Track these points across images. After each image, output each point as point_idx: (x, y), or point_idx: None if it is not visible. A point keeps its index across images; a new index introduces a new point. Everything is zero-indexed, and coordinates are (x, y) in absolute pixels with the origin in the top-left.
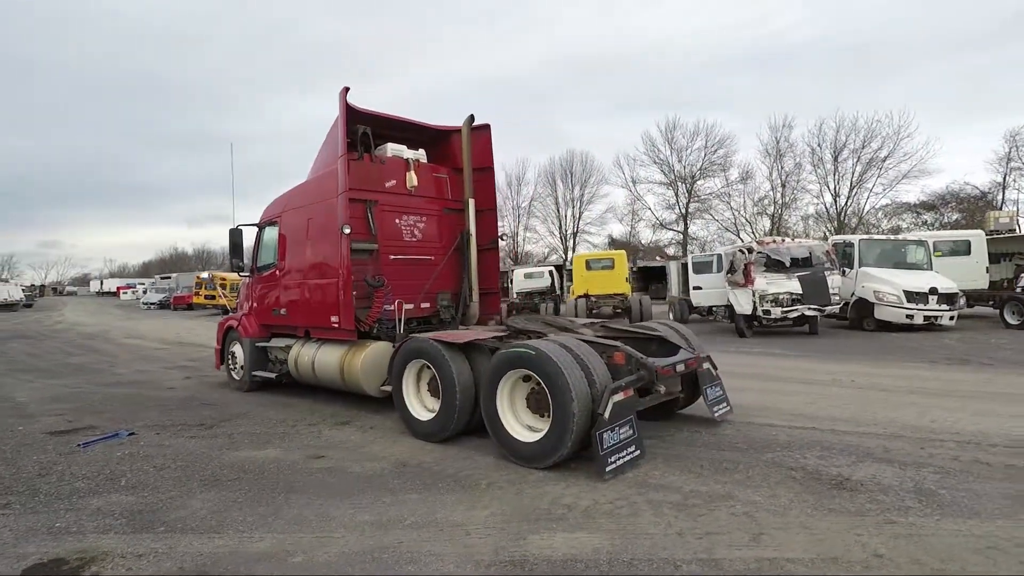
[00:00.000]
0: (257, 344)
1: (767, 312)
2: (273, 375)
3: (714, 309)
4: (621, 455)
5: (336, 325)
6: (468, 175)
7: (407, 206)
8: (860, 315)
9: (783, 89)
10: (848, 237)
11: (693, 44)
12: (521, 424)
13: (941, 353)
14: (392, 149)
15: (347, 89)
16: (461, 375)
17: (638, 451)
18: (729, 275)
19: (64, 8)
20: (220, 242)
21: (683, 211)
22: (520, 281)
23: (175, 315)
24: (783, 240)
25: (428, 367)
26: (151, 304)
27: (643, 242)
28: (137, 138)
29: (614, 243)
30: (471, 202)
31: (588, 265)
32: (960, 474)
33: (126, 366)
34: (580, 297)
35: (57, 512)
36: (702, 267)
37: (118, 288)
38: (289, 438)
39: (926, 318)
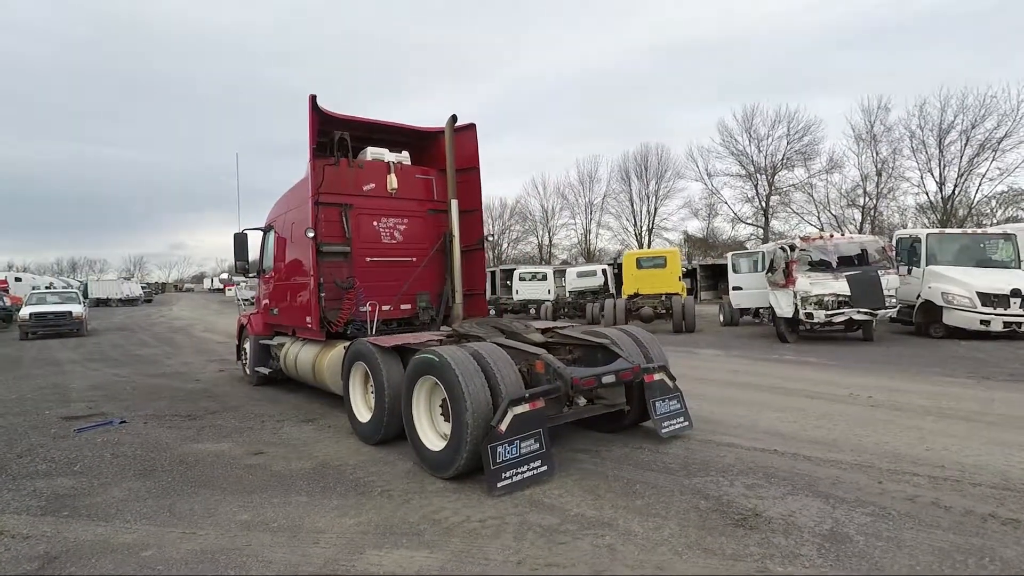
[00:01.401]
0: (260, 341)
1: (809, 315)
2: (268, 371)
3: (761, 311)
4: (520, 470)
5: (309, 325)
6: (451, 176)
7: (387, 208)
8: (927, 320)
9: (877, 69)
10: (915, 231)
11: (776, 29)
12: (436, 432)
13: (1006, 368)
14: (372, 153)
15: (314, 97)
16: (391, 378)
17: (545, 467)
18: (769, 274)
19: (195, 37)
20: None
21: (763, 204)
22: (573, 280)
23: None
24: (832, 236)
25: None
26: (245, 300)
27: (721, 238)
28: (253, 147)
29: (690, 239)
30: (454, 203)
31: (639, 263)
32: (900, 518)
33: (179, 358)
34: (629, 297)
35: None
36: (743, 266)
37: (224, 285)
38: (249, 433)
39: (1006, 324)
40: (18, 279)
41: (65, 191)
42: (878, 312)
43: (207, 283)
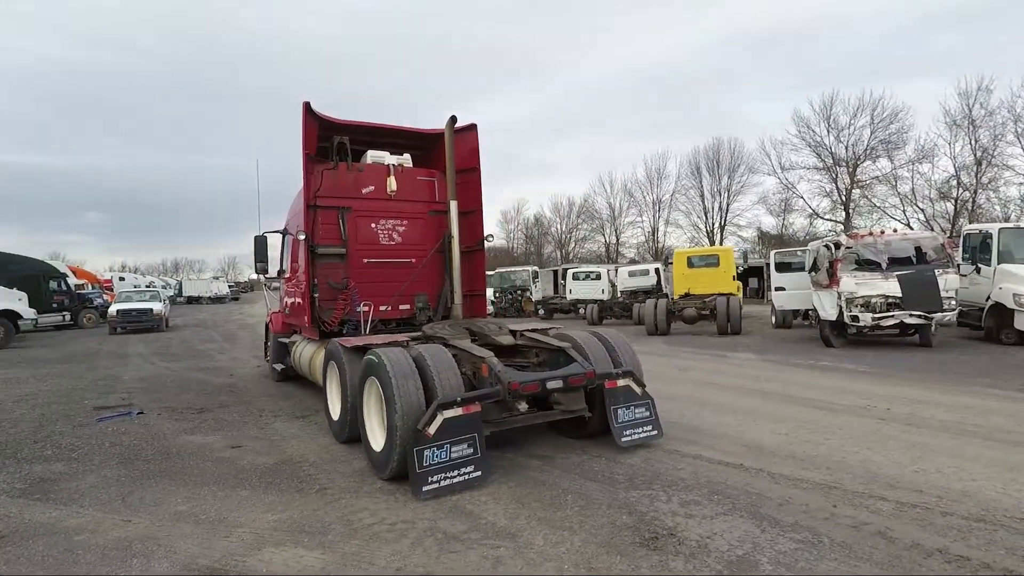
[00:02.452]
0: (279, 339)
1: (855, 318)
2: (283, 367)
3: (809, 313)
4: (450, 475)
5: (306, 324)
6: (451, 177)
7: (386, 210)
8: (997, 324)
9: (978, 45)
10: (986, 226)
11: (858, 12)
12: (383, 431)
13: None
14: (372, 156)
15: (307, 104)
16: (352, 378)
17: (478, 472)
18: (812, 274)
19: (278, 49)
20: None
21: (843, 198)
22: (624, 280)
23: None
24: (883, 232)
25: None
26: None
27: (798, 234)
28: None
29: (763, 236)
30: (453, 204)
31: (690, 262)
32: (829, 548)
33: (232, 353)
34: (682, 297)
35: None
36: (786, 265)
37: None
38: (241, 427)
39: None
40: (121, 279)
41: (171, 196)
42: (934, 315)
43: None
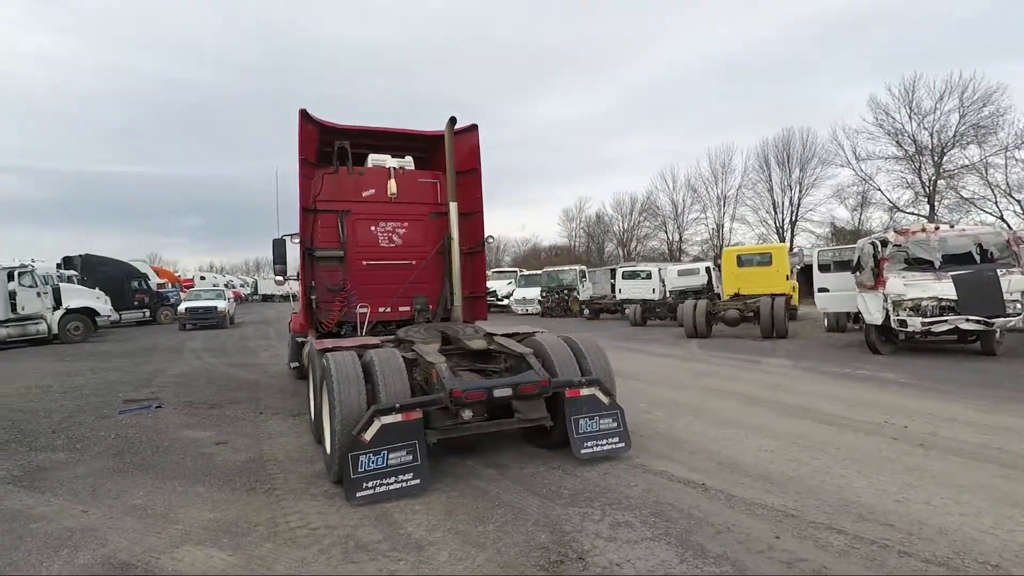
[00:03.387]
0: (296, 338)
1: (902, 323)
2: (297, 365)
3: (859, 317)
4: (386, 481)
5: (304, 325)
6: (451, 178)
7: (386, 213)
8: None
9: None
10: None
11: None
12: None
13: None
14: (373, 160)
15: (303, 111)
16: (316, 379)
17: (417, 480)
18: (856, 274)
19: (353, 56)
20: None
21: (927, 190)
22: (673, 279)
23: None
24: (937, 228)
25: None
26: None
27: (876, 229)
28: None
29: (838, 232)
30: (453, 205)
31: (740, 261)
32: None
33: (275, 351)
34: (730, 297)
35: (8, 458)
36: (830, 264)
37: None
38: (238, 423)
39: None
40: (202, 278)
41: (258, 199)
42: (995, 320)
43: None
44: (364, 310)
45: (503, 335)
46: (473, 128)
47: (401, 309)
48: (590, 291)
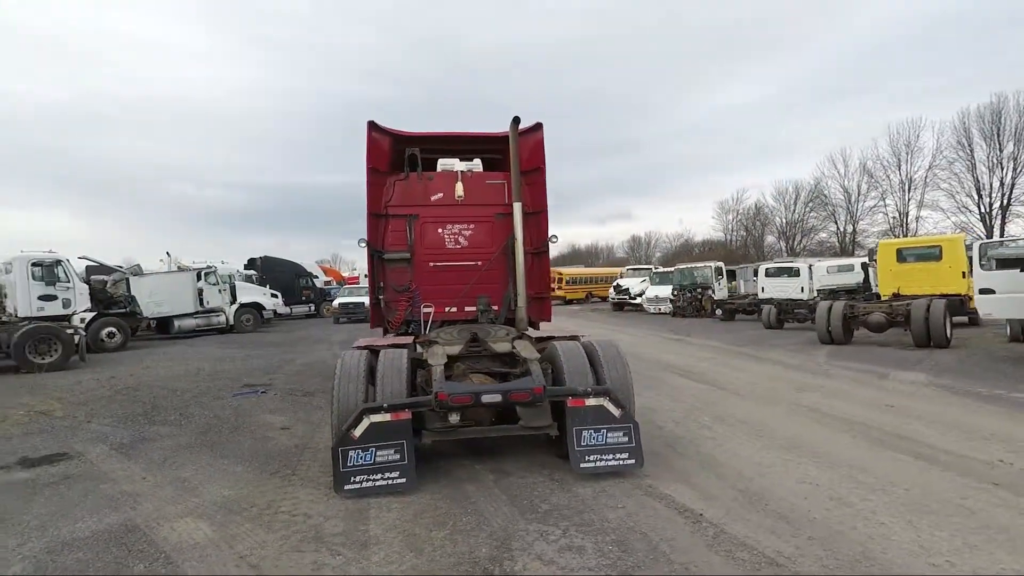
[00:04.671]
0: None
1: None
2: None
3: None
4: (372, 477)
5: (371, 325)
6: (515, 178)
7: (452, 216)
8: None
9: None
10: None
11: None
12: None
13: None
14: (442, 164)
15: (371, 123)
16: None
17: (403, 479)
18: None
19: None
20: (620, 239)
21: None
22: (822, 276)
23: None
24: None
25: None
26: None
27: None
28: (560, 151)
29: None
30: (517, 206)
31: (900, 256)
32: None
33: None
34: (895, 296)
35: (128, 428)
36: (998, 261)
37: None
38: (313, 411)
39: None
40: (366, 275)
41: None
42: None
43: None
44: (429, 310)
45: (539, 338)
46: (538, 127)
47: (467, 309)
48: (726, 290)
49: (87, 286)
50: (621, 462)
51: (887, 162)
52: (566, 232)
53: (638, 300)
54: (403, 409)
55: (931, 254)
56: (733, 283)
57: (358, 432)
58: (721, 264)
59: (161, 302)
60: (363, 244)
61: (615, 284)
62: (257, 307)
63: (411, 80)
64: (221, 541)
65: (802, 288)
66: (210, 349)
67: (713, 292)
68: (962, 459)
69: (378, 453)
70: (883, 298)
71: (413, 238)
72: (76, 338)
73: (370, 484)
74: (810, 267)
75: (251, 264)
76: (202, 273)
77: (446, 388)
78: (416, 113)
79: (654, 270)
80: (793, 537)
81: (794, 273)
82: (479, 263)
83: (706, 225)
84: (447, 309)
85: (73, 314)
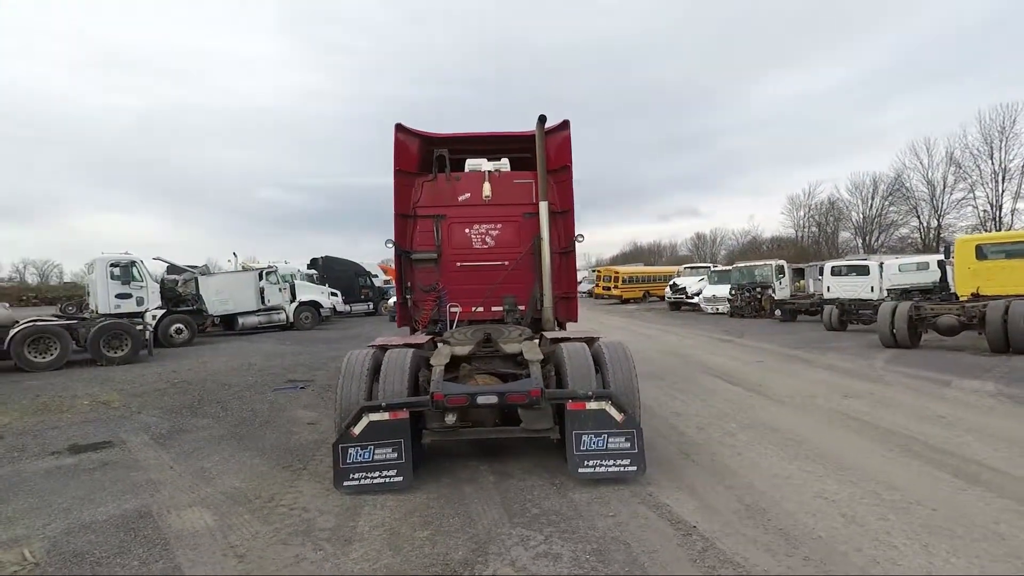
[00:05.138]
0: None
1: None
2: None
3: None
4: (371, 475)
5: (397, 324)
6: (542, 178)
7: (480, 216)
8: None
9: None
10: None
11: None
12: None
13: None
14: (470, 164)
15: (398, 125)
16: None
17: (400, 478)
18: None
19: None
20: (684, 235)
21: None
22: (894, 274)
23: (590, 302)
24: None
25: None
26: (584, 293)
27: None
28: (624, 148)
29: None
30: (543, 205)
31: (980, 252)
32: None
33: None
34: (974, 297)
35: (172, 419)
36: None
37: None
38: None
39: None
40: None
41: None
42: None
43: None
44: (456, 309)
45: (553, 339)
46: (565, 125)
47: (494, 309)
48: (788, 289)
49: (158, 285)
50: (622, 468)
51: (977, 151)
52: (628, 230)
53: (695, 300)
54: (401, 408)
55: (1017, 249)
56: (801, 282)
57: (357, 430)
58: (783, 262)
59: (226, 300)
60: (390, 245)
61: (671, 283)
62: (315, 305)
63: (473, 81)
64: (218, 531)
65: (872, 288)
66: (267, 345)
67: (773, 292)
68: (1008, 479)
69: (376, 451)
70: (961, 298)
71: (441, 238)
72: (145, 334)
73: (368, 481)
74: (880, 265)
75: (313, 264)
76: (263, 273)
77: (443, 389)
78: (479, 114)
79: (712, 268)
80: (787, 556)
81: (863, 271)
82: (506, 263)
83: (775, 221)
84: (474, 309)
85: (145, 311)
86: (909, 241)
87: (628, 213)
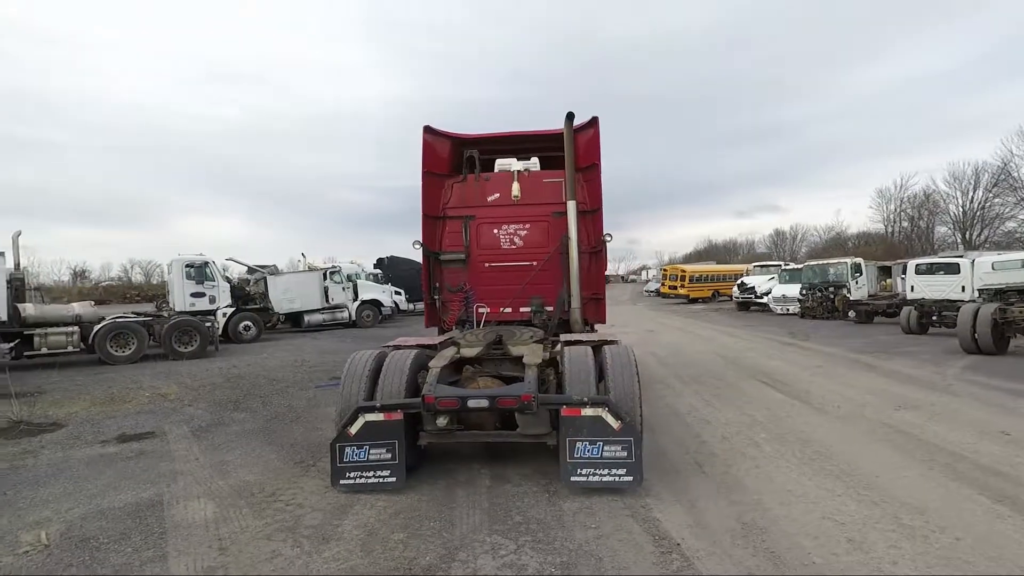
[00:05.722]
0: None
1: None
2: None
3: None
4: (366, 474)
5: (425, 324)
6: (570, 176)
7: (508, 216)
8: None
9: None
10: None
11: None
12: None
13: None
14: (499, 164)
15: (427, 127)
16: None
17: (393, 478)
18: None
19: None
20: (763, 232)
21: None
22: (986, 273)
23: (657, 301)
24: None
25: None
26: (651, 292)
27: None
28: (695, 141)
29: None
30: (571, 204)
31: None
32: None
33: None
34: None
35: (215, 413)
36: None
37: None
38: None
39: None
40: None
41: None
42: None
43: (647, 275)
44: (484, 310)
45: (566, 342)
46: (593, 122)
47: (522, 310)
48: (865, 289)
49: (228, 284)
50: (617, 478)
51: None
52: (702, 227)
53: (765, 300)
54: (395, 410)
55: None
56: (887, 281)
57: (354, 429)
58: (860, 260)
59: (292, 299)
60: (417, 246)
61: (739, 282)
62: (376, 304)
63: (549, 80)
64: (212, 523)
65: (963, 287)
66: (325, 342)
67: (849, 291)
68: None
69: (371, 451)
70: None
71: (469, 239)
72: (212, 330)
73: (363, 481)
74: (972, 263)
75: (379, 263)
76: (328, 273)
77: (435, 391)
78: (546, 113)
79: (783, 266)
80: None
81: (952, 270)
82: (535, 263)
83: (862, 216)
84: (502, 310)
85: (217, 309)
86: (1017, 236)
87: (701, 209)
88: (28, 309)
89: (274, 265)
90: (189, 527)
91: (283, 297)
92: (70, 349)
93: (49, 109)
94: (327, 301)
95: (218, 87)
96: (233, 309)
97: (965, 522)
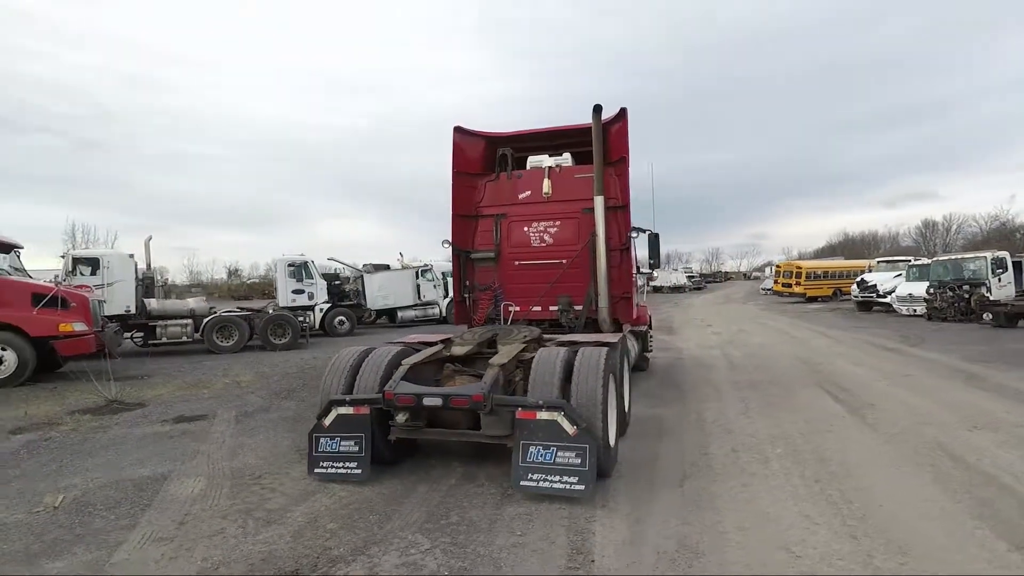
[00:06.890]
0: None
1: None
2: None
3: None
4: (336, 465)
5: (455, 321)
6: (597, 171)
7: (539, 213)
8: None
9: None
10: None
11: None
12: None
13: None
14: (531, 161)
15: (457, 127)
16: None
17: (359, 470)
18: None
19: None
20: (914, 223)
21: None
22: None
23: (771, 300)
24: None
25: None
26: (766, 290)
27: None
28: (823, 129)
29: None
30: (599, 200)
31: None
32: None
33: None
34: None
35: (264, 399)
36: None
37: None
38: None
39: None
40: None
41: (680, 195)
42: None
43: (769, 271)
44: (514, 308)
45: (561, 342)
46: (621, 114)
47: (551, 309)
48: (1010, 287)
49: (325, 282)
50: (568, 486)
51: None
52: (840, 220)
53: (888, 299)
54: (363, 404)
55: None
56: None
57: (327, 421)
58: (1004, 254)
59: (387, 296)
60: (447, 245)
61: (859, 279)
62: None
63: (660, 71)
64: (191, 500)
65: None
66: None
67: (988, 290)
68: None
69: (342, 443)
70: None
71: (500, 237)
72: (303, 324)
73: (333, 471)
74: None
75: None
76: (420, 271)
77: (394, 388)
78: (665, 105)
79: (912, 262)
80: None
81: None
82: (564, 261)
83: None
84: (531, 308)
85: (314, 305)
86: None
87: (839, 201)
88: (152, 303)
89: (371, 263)
90: (172, 501)
91: (377, 294)
92: (184, 339)
93: (200, 126)
94: (419, 298)
95: (350, 97)
96: (329, 305)
97: (959, 566)
